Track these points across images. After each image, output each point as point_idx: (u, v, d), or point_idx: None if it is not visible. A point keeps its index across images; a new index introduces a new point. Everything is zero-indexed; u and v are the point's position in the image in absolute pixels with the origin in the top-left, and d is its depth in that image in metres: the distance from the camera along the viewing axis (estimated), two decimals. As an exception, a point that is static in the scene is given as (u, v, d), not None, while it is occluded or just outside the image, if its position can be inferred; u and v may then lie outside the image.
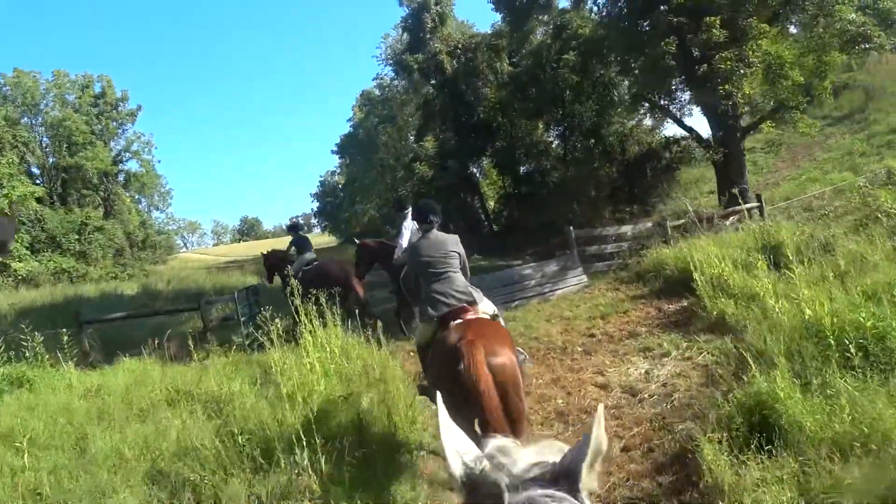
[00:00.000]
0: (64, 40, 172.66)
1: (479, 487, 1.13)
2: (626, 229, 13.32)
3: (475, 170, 31.59)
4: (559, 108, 27.82)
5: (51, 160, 48.11)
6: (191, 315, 13.00)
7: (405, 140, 40.62)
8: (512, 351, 4.10)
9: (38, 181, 48.37)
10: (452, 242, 4.92)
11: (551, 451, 1.19)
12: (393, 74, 38.39)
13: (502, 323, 5.10)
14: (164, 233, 57.19)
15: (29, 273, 36.51)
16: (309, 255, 11.82)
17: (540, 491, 1.05)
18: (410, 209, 9.58)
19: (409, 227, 9.50)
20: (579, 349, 8.07)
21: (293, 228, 12.95)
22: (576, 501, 1.04)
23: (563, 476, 1.08)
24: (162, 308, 13.69)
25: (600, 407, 1.22)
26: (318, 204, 79.35)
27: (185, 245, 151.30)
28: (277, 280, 12.41)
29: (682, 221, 12.78)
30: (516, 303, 11.60)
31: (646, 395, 5.96)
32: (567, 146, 28.60)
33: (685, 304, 9.13)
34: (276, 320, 6.55)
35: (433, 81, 29.91)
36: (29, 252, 38.98)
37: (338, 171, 65.42)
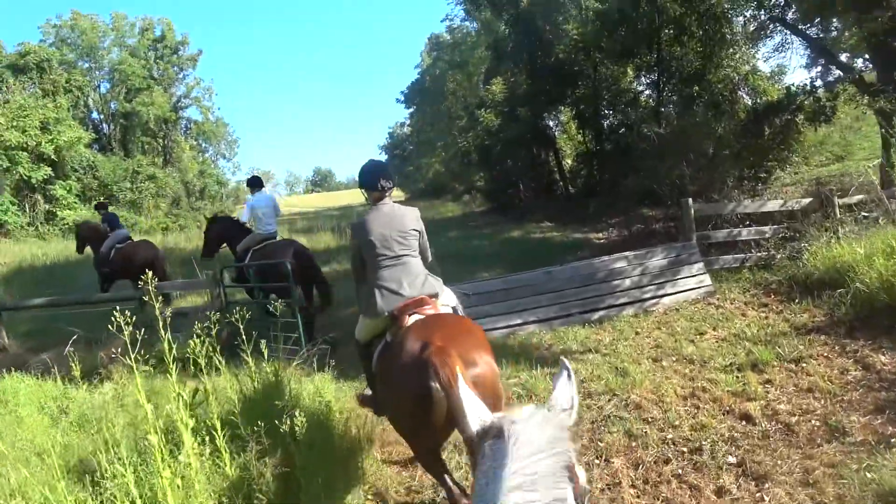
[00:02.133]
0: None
1: (489, 431, 1.39)
2: (774, 205, 8.88)
3: (550, 121, 27.21)
4: (654, 51, 23.11)
5: (112, 106, 46.14)
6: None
7: (475, 88, 36.31)
8: (490, 355, 3.31)
9: (100, 128, 46.88)
10: (412, 218, 3.98)
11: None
12: (463, 15, 34.11)
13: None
14: (223, 182, 54.98)
15: (75, 222, 34.67)
16: (122, 232, 11.47)
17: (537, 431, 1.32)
18: (251, 182, 9.35)
19: (249, 203, 9.07)
20: (731, 460, 4.10)
21: (100, 207, 12.50)
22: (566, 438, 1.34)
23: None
24: (96, 297, 10.21)
25: (568, 367, 1.63)
26: (386, 156, 76.52)
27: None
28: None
29: (860, 198, 8.38)
30: (600, 313, 7.65)
31: None
32: (661, 96, 23.92)
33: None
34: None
35: (505, 16, 25.50)
36: (79, 200, 37.11)
37: (407, 121, 61.67)
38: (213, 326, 4.02)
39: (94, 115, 47.15)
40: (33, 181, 34.15)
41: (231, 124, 60.35)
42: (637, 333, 7.00)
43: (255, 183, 9.22)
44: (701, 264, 8.04)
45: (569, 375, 1.59)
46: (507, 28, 25.81)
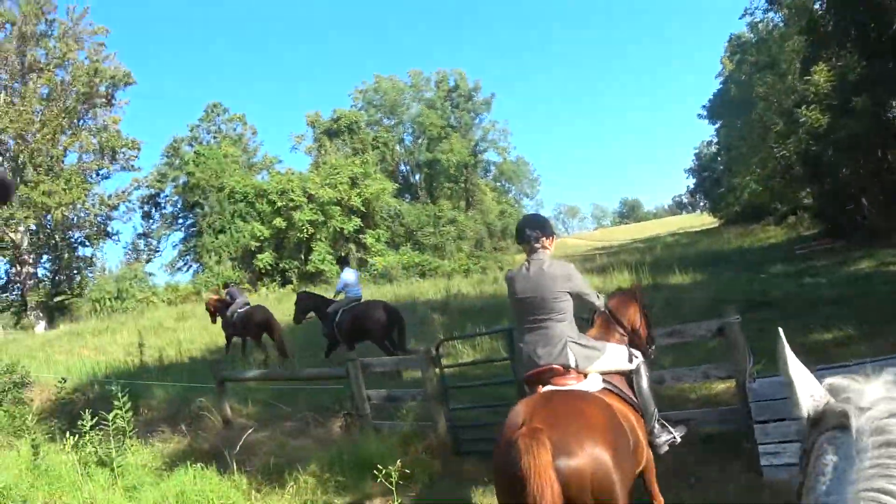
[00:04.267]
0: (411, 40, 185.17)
1: (825, 418, 1.15)
2: None
3: (899, 112, 20.95)
4: None
5: (420, 158, 48.94)
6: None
7: (790, 89, 30.37)
8: (604, 445, 2.88)
9: (408, 178, 50.19)
10: (561, 278, 3.69)
11: None
12: (766, 5, 28.93)
13: (644, 389, 3.90)
14: (523, 221, 55.06)
15: (384, 268, 36.53)
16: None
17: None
18: (340, 261, 12.96)
19: (342, 279, 11.44)
20: None
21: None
22: None
23: None
24: (305, 372, 8.94)
25: None
26: (694, 180, 70.61)
27: (566, 230, 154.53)
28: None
29: None
30: None
31: None
32: None
33: None
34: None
35: (821, -10, 20.38)
36: (387, 247, 39.28)
37: (714, 139, 55.76)
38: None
39: (402, 167, 50.50)
40: (346, 231, 36.84)
41: (532, 162, 60.57)
42: None
43: (344, 261, 12.41)
44: None
45: None
46: (824, 2, 20.60)
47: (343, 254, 10.96)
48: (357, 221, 37.24)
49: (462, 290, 21.54)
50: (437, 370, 6.82)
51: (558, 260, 3.87)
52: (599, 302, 3.98)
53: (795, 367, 1.24)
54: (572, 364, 3.56)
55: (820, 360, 7.13)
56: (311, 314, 11.82)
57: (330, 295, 12.51)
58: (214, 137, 44.13)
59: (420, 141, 47.95)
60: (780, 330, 1.28)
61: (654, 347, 4.58)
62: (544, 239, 3.81)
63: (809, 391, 1.21)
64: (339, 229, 36.38)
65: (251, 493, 5.63)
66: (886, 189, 20.83)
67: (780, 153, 25.01)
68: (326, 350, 11.33)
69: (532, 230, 3.78)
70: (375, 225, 39.46)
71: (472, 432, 6.82)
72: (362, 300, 11.41)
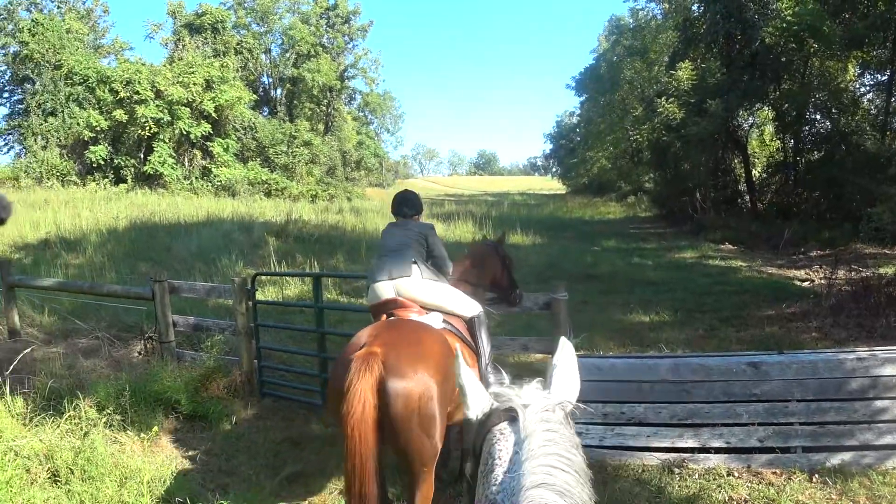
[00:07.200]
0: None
1: (492, 417, 1.35)
2: None
3: (744, 121, 22.75)
4: (889, 41, 18.29)
5: (285, 72, 46.49)
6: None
7: (655, 79, 31.93)
8: (435, 373, 3.06)
9: (270, 92, 47.62)
10: (424, 230, 4.26)
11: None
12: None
13: (482, 333, 4.06)
14: (380, 155, 54.25)
15: (228, 180, 34.69)
16: None
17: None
18: None
19: None
20: None
21: None
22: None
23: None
24: (106, 287, 8.22)
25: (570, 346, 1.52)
26: (551, 145, 72.93)
27: (422, 171, 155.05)
28: None
29: None
30: (843, 456, 4.29)
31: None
32: (891, 100, 19.02)
33: None
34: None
35: (702, -9, 21.47)
36: (234, 159, 37.26)
37: (577, 110, 57.69)
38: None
39: (265, 79, 47.95)
40: (193, 136, 34.48)
41: (398, 98, 59.31)
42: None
43: None
44: None
45: (570, 359, 1.52)
46: (702, 4, 21.75)
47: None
48: (207, 127, 34.79)
49: (304, 216, 21.11)
50: (250, 303, 6.39)
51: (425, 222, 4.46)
52: (448, 268, 4.33)
53: (468, 378, 1.46)
54: (415, 274, 3.90)
55: (634, 342, 7.70)
56: None
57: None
58: (59, 7, 39.15)
59: (288, 55, 45.55)
60: (458, 346, 1.40)
61: (518, 291, 4.92)
62: (415, 216, 4.36)
63: (479, 397, 1.43)
64: (185, 132, 33.87)
65: (28, 419, 4.80)
66: (718, 189, 22.73)
67: (634, 137, 26.42)
68: None
69: (409, 209, 4.33)
70: (226, 134, 37.12)
71: (278, 375, 6.63)
72: None
